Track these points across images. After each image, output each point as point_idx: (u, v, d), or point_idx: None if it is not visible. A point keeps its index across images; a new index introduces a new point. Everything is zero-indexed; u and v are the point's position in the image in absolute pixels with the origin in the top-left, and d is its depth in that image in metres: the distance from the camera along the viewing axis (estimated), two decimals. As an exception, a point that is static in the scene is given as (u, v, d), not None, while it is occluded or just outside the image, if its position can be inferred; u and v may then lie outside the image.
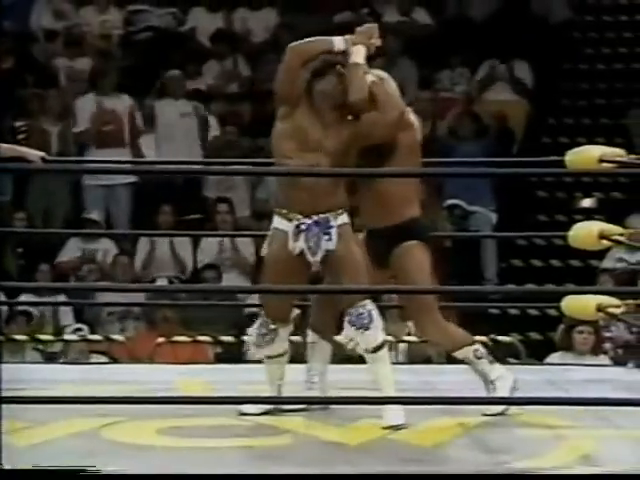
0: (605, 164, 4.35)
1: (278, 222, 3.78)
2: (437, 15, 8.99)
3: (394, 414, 3.67)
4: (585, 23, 9.28)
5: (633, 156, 4.46)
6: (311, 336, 3.89)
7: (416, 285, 3.77)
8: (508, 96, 8.60)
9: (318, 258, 3.74)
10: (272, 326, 3.78)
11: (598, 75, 8.98)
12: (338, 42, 3.77)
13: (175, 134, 7.98)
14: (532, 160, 5.70)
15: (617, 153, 4.43)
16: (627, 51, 9.11)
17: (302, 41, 3.77)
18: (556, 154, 4.73)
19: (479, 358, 3.84)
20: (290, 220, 3.75)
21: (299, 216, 3.74)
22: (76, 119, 8.04)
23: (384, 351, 3.75)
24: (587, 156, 4.40)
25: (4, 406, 3.16)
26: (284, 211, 3.76)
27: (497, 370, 3.85)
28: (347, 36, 3.80)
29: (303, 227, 3.73)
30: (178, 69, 8.21)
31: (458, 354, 3.85)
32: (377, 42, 3.84)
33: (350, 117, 3.79)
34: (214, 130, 8.08)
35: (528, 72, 8.63)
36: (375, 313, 3.72)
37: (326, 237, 3.73)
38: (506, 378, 3.84)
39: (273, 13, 8.88)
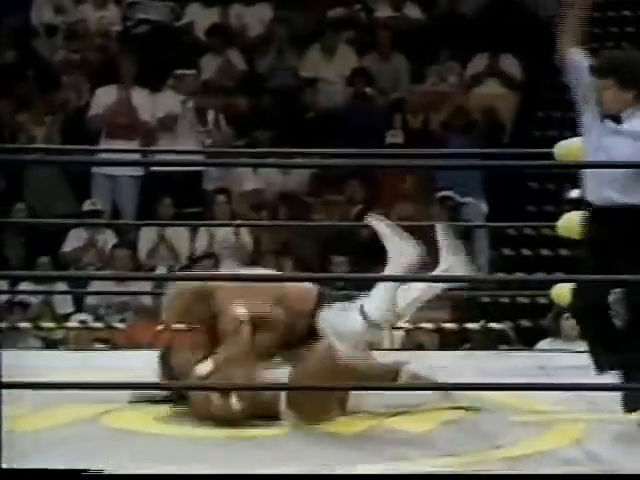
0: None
1: None
2: (428, 10, 9.09)
3: None
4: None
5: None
6: None
7: None
8: (498, 89, 8.70)
9: None
10: None
11: (586, 69, 9.05)
12: None
13: (173, 128, 8.07)
14: (522, 152, 5.79)
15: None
16: (613, 45, 9.21)
17: None
18: (545, 146, 4.83)
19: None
20: None
21: None
22: (85, 111, 8.14)
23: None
24: (575, 148, 4.49)
25: (5, 391, 3.21)
26: None
27: None
28: None
29: None
30: (175, 63, 8.30)
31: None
32: None
33: None
34: (211, 124, 8.18)
35: (517, 66, 8.73)
36: None
37: None
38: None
39: (268, 8, 8.96)
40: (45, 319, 6.62)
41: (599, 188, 3.64)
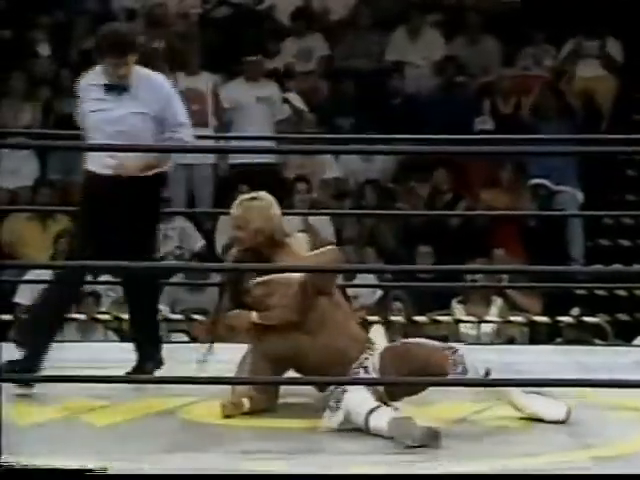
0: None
1: None
2: (520, -10, 8.82)
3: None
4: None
5: None
6: None
7: None
8: (596, 72, 8.39)
9: None
10: None
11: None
12: None
13: (252, 114, 7.95)
14: (621, 137, 5.53)
15: None
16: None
17: None
18: (646, 132, 4.58)
19: None
20: None
21: None
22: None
23: None
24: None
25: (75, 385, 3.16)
26: None
27: None
28: None
29: None
30: (257, 47, 8.17)
31: None
32: None
33: None
34: (290, 110, 8.04)
35: (617, 48, 8.42)
36: None
37: None
38: None
39: (351, -9, 8.79)
40: (121, 310, 6.58)
41: None
